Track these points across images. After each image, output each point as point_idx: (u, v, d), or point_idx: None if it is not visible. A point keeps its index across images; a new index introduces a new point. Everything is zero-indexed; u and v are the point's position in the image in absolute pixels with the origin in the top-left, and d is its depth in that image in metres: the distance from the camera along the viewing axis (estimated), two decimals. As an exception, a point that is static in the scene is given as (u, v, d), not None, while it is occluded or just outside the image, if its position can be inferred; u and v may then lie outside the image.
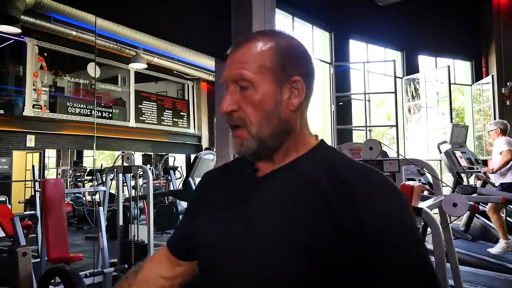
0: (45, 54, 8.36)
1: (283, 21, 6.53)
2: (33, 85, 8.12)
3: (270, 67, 0.72)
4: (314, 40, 7.38)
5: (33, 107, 8.08)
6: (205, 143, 11.89)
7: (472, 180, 5.81)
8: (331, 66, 7.26)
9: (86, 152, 12.83)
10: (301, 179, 0.71)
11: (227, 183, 0.83)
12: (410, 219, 0.67)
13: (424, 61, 9.20)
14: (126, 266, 3.70)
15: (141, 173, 4.26)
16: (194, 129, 12.00)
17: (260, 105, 0.72)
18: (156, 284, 0.88)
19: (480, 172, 5.25)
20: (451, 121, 7.12)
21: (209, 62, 8.71)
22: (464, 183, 5.17)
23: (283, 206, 0.69)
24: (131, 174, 4.27)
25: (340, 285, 0.64)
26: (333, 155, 0.76)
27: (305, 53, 0.78)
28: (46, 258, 3.29)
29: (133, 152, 3.98)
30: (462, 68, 9.70)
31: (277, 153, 0.76)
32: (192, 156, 8.57)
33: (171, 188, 8.60)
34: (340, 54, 7.49)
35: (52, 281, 2.75)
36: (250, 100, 0.72)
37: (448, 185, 4.99)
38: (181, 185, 7.71)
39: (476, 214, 4.94)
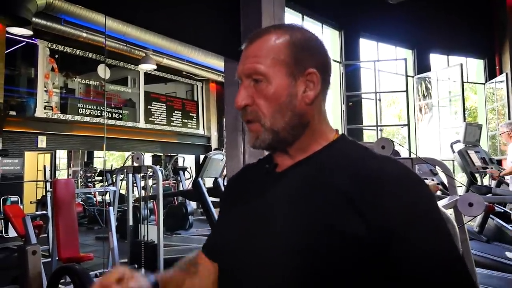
0: (56, 56, 8.44)
1: (293, 20, 6.50)
2: (45, 87, 8.21)
3: (284, 60, 0.72)
4: (324, 39, 7.33)
5: (44, 108, 8.17)
6: (214, 143, 11.90)
7: (486, 180, 5.71)
8: (341, 65, 7.20)
9: (96, 153, 12.93)
10: (319, 173, 0.70)
11: (247, 180, 0.83)
12: (437, 212, 0.64)
13: (436, 59, 9.08)
14: (136, 266, 3.69)
15: (151, 173, 4.26)
16: (203, 129, 12.02)
17: (274, 98, 0.71)
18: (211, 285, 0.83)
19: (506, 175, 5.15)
20: (464, 120, 7.01)
21: (218, 63, 8.71)
22: (478, 183, 5.08)
23: (300, 202, 0.67)
24: (141, 175, 4.28)
25: (361, 281, 0.61)
26: (354, 148, 0.75)
27: (321, 45, 0.77)
28: (57, 258, 3.30)
29: (142, 153, 3.98)
30: (475, 67, 9.56)
31: (294, 147, 0.75)
32: (202, 157, 8.57)
33: (181, 189, 8.61)
34: (350, 53, 7.43)
35: (62, 280, 2.75)
36: (263, 94, 0.72)
37: (463, 184, 4.90)
38: (190, 186, 7.71)
39: (491, 215, 4.84)
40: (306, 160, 0.74)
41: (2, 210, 6.32)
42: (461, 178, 6.71)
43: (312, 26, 7.05)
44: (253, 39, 0.75)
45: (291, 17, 6.43)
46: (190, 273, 0.83)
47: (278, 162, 0.78)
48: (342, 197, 0.63)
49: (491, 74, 9.08)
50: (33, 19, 6.00)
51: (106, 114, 9.33)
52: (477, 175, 5.16)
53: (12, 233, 5.99)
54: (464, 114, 7.26)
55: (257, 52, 0.73)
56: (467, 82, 9.33)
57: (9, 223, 4.61)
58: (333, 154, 0.73)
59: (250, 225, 0.71)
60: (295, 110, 0.72)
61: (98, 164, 12.65)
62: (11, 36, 7.25)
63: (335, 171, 0.68)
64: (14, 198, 6.86)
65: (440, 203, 2.06)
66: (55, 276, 2.52)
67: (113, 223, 3.65)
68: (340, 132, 0.79)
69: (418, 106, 8.24)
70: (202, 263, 0.84)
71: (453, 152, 5.14)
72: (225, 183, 1.01)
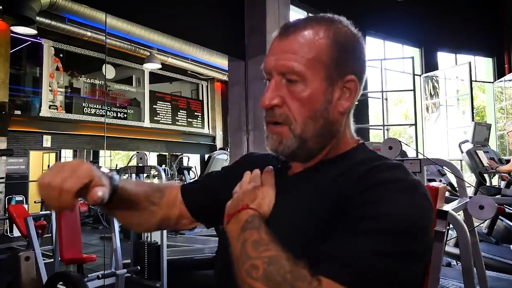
0: (61, 55, 8.46)
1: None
2: (50, 86, 8.23)
3: (324, 62, 0.65)
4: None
5: (49, 107, 8.19)
6: (219, 143, 11.88)
7: (495, 181, 5.63)
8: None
9: (102, 152, 12.98)
10: (325, 182, 0.66)
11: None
12: (424, 229, 0.56)
13: (444, 58, 8.98)
14: (139, 267, 3.66)
15: (155, 173, 4.24)
16: (209, 129, 12.00)
17: (309, 102, 0.65)
18: (165, 221, 0.84)
19: (504, 172, 5.07)
20: (473, 120, 6.91)
21: (223, 62, 8.67)
22: (487, 184, 5.00)
23: (307, 209, 0.64)
24: (145, 175, 4.25)
25: None
26: (366, 155, 0.69)
27: (363, 48, 0.69)
28: (60, 259, 3.28)
29: (146, 153, 3.96)
30: (484, 65, 9.45)
31: (316, 155, 0.70)
32: (207, 156, 8.55)
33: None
34: (356, 52, 7.37)
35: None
36: (298, 96, 0.65)
37: (472, 185, 4.82)
38: (195, 185, 7.68)
39: (500, 216, 4.76)
40: (316, 166, 0.70)
41: (6, 210, 6.34)
42: (469, 178, 6.61)
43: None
44: (291, 30, 0.67)
45: (296, 15, 6.37)
46: (153, 200, 0.82)
47: (291, 163, 0.75)
48: (338, 197, 0.60)
49: (500, 72, 8.97)
50: (37, 18, 6.00)
51: (111, 114, 9.34)
52: (486, 175, 5.08)
53: (17, 232, 6.01)
54: (472, 113, 7.16)
55: (296, 48, 0.65)
56: (475, 81, 9.21)
57: (13, 223, 4.61)
58: (344, 161, 0.68)
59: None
60: (328, 118, 0.67)
61: (103, 163, 12.68)
62: (16, 36, 7.26)
63: (339, 177, 0.64)
64: (19, 198, 6.89)
65: (450, 206, 1.99)
66: (50, 282, 2.48)
67: (116, 224, 3.62)
68: (360, 141, 0.74)
69: (426, 105, 8.15)
70: (168, 197, 0.83)
71: (462, 152, 5.06)
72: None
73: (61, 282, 2.63)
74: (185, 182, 0.94)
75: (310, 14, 6.66)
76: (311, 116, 0.66)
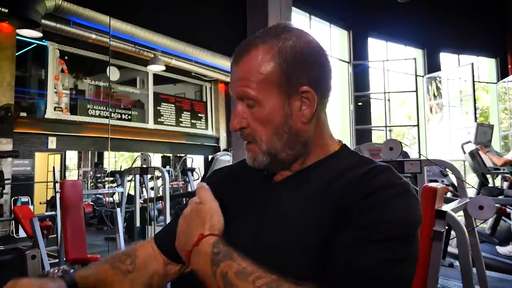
0: (66, 57, 8.52)
1: (300, 20, 6.46)
2: (55, 88, 8.29)
3: (274, 81, 0.67)
4: (332, 39, 7.28)
5: (54, 109, 8.25)
6: (223, 144, 11.91)
7: (498, 182, 5.61)
8: (349, 65, 7.14)
9: (106, 154, 13.06)
10: (316, 185, 0.68)
11: (243, 185, 0.79)
12: (411, 228, 0.61)
13: (446, 58, 8.96)
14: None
15: (159, 174, 4.27)
16: (212, 130, 12.03)
17: (268, 121, 0.69)
18: (151, 280, 0.79)
19: (507, 173, 5.06)
20: (475, 120, 6.90)
21: (226, 63, 8.71)
22: (489, 185, 5.00)
23: (297, 215, 0.66)
24: (149, 176, 4.28)
25: None
26: (351, 158, 0.72)
27: (315, 54, 0.70)
28: (64, 259, 3.32)
29: (150, 154, 3.99)
30: (487, 66, 9.42)
31: (294, 163, 0.73)
32: (210, 158, 8.59)
33: (189, 189, 8.63)
34: (358, 53, 7.38)
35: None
36: (257, 117, 0.69)
37: (473, 187, 4.82)
38: (198, 187, 7.71)
39: (503, 217, 4.76)
40: (303, 172, 0.72)
41: (12, 211, 6.40)
42: (472, 179, 6.60)
43: (320, 26, 7.01)
44: (241, 54, 0.70)
45: (299, 17, 6.39)
46: (125, 268, 0.77)
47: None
48: (333, 206, 0.62)
49: (503, 73, 8.95)
50: (42, 21, 6.06)
51: (116, 115, 9.39)
52: (489, 176, 5.08)
53: (22, 233, 6.06)
54: (475, 114, 7.16)
55: (245, 74, 0.68)
56: (478, 81, 9.20)
57: (19, 223, 4.66)
58: (330, 165, 0.70)
59: (248, 237, 0.68)
60: (291, 130, 0.69)
61: (108, 165, 12.76)
62: (22, 38, 7.34)
63: (328, 182, 0.66)
64: (24, 199, 6.94)
65: (450, 206, 2.01)
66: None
67: (121, 224, 3.65)
68: (342, 143, 0.77)
69: (429, 106, 8.14)
70: (141, 257, 0.79)
71: (464, 152, 5.06)
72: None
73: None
74: (156, 233, 0.86)
75: (313, 16, 6.68)
76: (273, 132, 0.69)
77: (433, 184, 1.87)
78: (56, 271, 0.69)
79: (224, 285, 0.56)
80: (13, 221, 6.41)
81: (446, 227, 2.00)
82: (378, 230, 0.57)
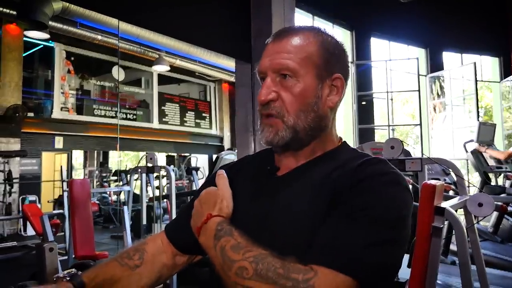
0: (72, 58, 8.62)
1: (303, 21, 6.49)
2: (61, 89, 8.39)
3: (315, 61, 0.73)
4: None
5: (61, 109, 8.35)
6: (227, 143, 11.96)
7: (500, 180, 5.63)
8: (352, 64, 7.17)
9: (112, 153, 13.13)
10: (317, 177, 0.72)
11: (250, 177, 0.82)
12: (402, 220, 0.64)
13: (449, 58, 8.96)
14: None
15: (165, 173, 4.33)
16: (216, 130, 12.09)
17: (301, 95, 0.72)
18: (159, 273, 0.82)
19: (509, 171, 5.08)
20: (478, 119, 6.91)
21: (230, 63, 8.76)
22: (492, 183, 5.01)
23: (299, 205, 0.70)
24: (155, 175, 4.33)
25: None
26: (351, 153, 0.77)
27: (346, 53, 0.79)
28: (73, 256, 3.38)
29: (155, 153, 4.04)
30: (490, 65, 9.40)
31: (305, 150, 0.76)
32: (214, 157, 8.63)
33: (194, 188, 8.69)
34: (361, 53, 7.40)
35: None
36: (291, 90, 0.72)
37: (474, 185, 4.85)
38: (203, 185, 7.74)
39: (506, 215, 4.78)
40: (308, 165, 0.76)
41: (21, 209, 6.49)
42: (476, 178, 6.62)
43: (323, 26, 7.04)
44: (283, 35, 0.74)
45: (302, 17, 6.43)
46: (134, 264, 0.79)
47: (281, 163, 0.78)
48: (331, 196, 0.66)
49: (506, 72, 8.92)
50: (50, 22, 6.15)
51: (121, 115, 9.47)
52: (491, 175, 5.09)
53: (30, 231, 6.15)
54: (478, 113, 7.16)
55: (290, 48, 0.72)
56: (482, 80, 9.19)
57: (28, 221, 4.73)
58: (332, 160, 0.75)
59: (252, 229, 0.69)
60: (318, 112, 0.73)
61: (113, 164, 12.84)
62: (29, 40, 7.43)
63: (329, 175, 0.70)
64: (32, 198, 7.02)
65: (449, 203, 2.05)
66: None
67: (128, 222, 3.70)
68: (343, 140, 0.82)
69: (432, 105, 8.16)
70: (150, 250, 0.81)
71: (466, 151, 5.08)
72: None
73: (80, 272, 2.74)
74: (168, 223, 0.90)
75: (315, 17, 6.72)
76: (302, 109, 0.72)
77: (433, 181, 1.92)
78: (64, 275, 0.72)
79: (221, 256, 0.62)
80: (22, 219, 6.51)
81: (448, 226, 2.04)
82: (363, 212, 0.61)
